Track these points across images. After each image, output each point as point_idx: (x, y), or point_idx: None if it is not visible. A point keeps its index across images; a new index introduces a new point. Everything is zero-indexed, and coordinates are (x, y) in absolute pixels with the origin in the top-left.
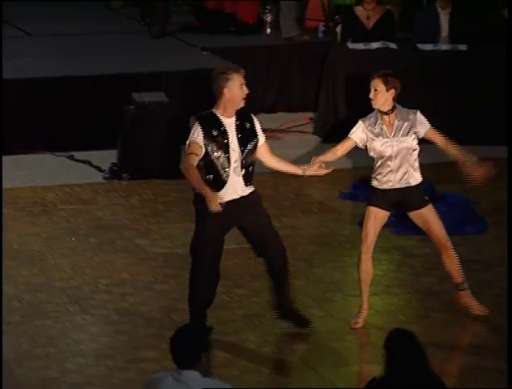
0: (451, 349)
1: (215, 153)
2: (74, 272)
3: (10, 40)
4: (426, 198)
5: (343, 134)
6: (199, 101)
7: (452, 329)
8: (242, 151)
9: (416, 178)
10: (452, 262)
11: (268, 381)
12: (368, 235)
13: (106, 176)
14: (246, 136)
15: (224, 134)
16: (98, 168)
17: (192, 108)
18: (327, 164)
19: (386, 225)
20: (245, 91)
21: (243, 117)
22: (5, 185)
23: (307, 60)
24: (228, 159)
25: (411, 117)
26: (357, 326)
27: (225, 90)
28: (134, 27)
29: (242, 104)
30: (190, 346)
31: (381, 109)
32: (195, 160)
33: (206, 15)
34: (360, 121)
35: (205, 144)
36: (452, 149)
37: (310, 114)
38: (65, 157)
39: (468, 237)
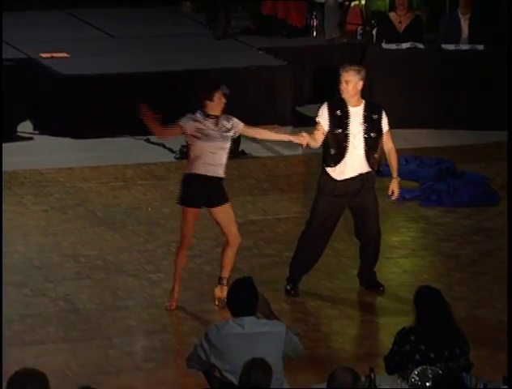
0: (469, 304)
1: (337, 130)
2: (149, 237)
3: (96, 40)
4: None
5: None
6: (255, 92)
7: (469, 286)
8: (365, 139)
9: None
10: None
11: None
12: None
13: (177, 156)
14: (371, 126)
15: (347, 115)
16: (170, 150)
17: (248, 98)
18: None
19: (413, 198)
20: (346, 86)
21: (372, 109)
22: (91, 163)
23: (347, 58)
24: (347, 136)
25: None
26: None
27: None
28: (200, 31)
29: (350, 98)
30: (242, 299)
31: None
32: (316, 134)
33: (261, 20)
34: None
35: (329, 122)
36: None
37: None
38: (142, 140)
39: (484, 209)
